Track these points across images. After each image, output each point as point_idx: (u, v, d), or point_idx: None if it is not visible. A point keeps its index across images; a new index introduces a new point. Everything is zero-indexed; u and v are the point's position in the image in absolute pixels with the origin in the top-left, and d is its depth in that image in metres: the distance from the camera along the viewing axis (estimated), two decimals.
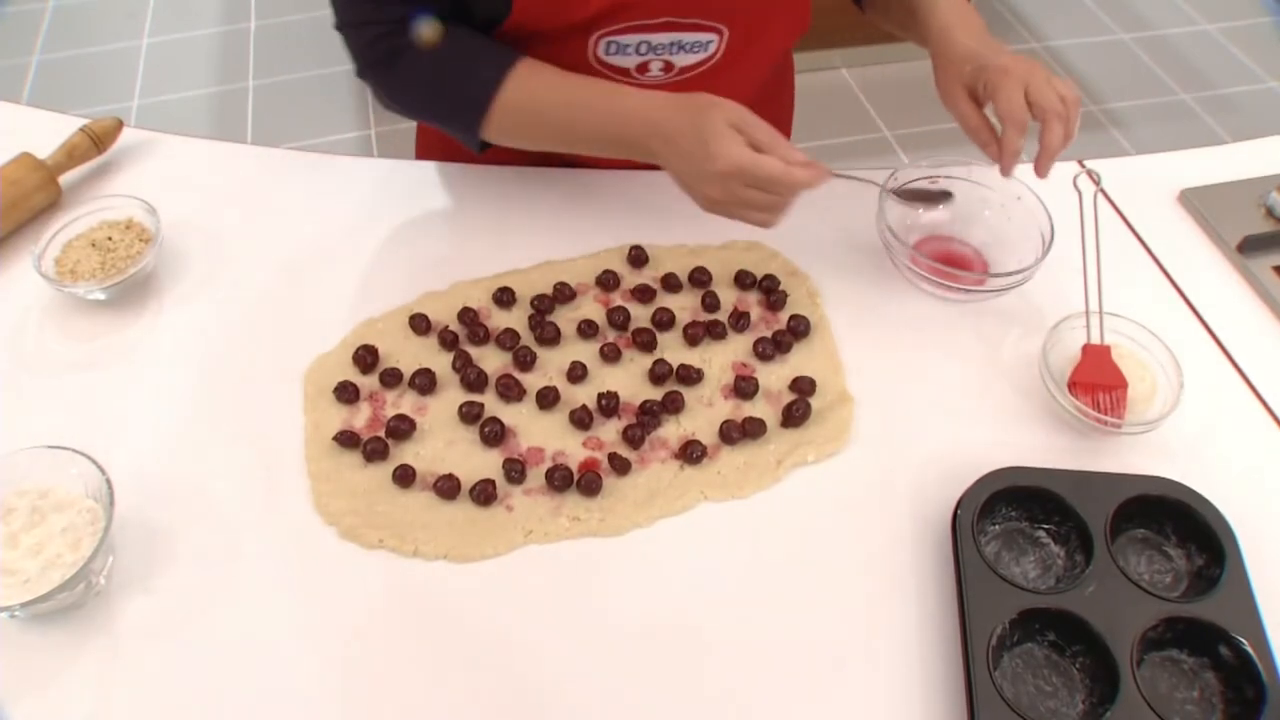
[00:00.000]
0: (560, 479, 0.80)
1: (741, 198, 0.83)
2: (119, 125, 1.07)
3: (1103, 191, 0.96)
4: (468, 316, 0.92)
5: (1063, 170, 1.08)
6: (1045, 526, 0.79)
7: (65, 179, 1.03)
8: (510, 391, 0.86)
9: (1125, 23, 3.05)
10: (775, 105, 1.14)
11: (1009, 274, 0.92)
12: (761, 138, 0.81)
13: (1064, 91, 0.86)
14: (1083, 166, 1.02)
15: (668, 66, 0.94)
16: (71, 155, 1.03)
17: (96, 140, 1.05)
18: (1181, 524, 0.78)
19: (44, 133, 1.05)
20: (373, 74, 0.91)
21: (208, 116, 2.60)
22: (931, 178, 1.00)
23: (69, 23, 2.93)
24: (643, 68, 0.94)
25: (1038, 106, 0.84)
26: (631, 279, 0.97)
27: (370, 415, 0.86)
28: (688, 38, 0.91)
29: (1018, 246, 0.96)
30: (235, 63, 2.74)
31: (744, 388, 0.88)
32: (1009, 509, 0.79)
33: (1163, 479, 0.79)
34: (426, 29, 0.86)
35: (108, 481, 0.74)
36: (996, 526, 0.80)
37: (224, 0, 2.95)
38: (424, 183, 1.06)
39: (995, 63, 0.87)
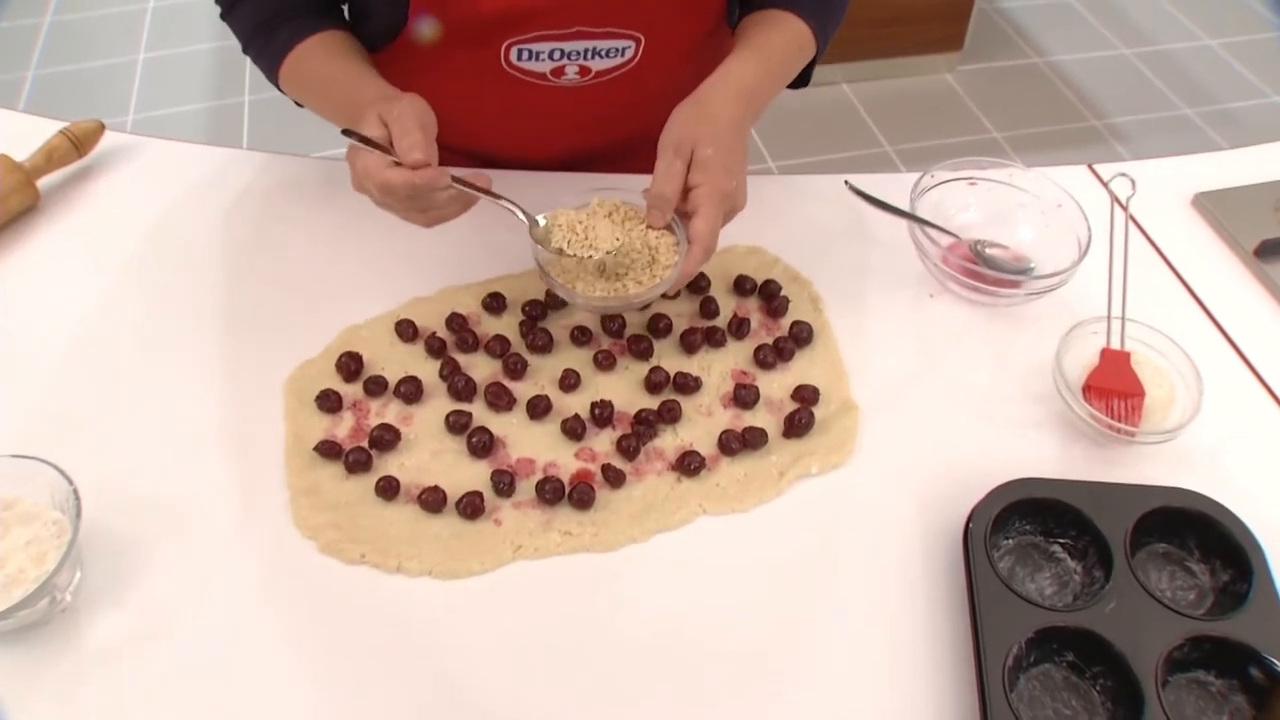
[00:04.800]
0: (551, 491, 0.77)
1: (365, 190, 0.79)
2: (100, 128, 1.05)
3: (1118, 200, 0.93)
4: (456, 322, 0.88)
5: (1077, 175, 1.06)
6: (1061, 540, 0.76)
7: (44, 182, 1.00)
8: (500, 400, 0.83)
9: (1126, 37, 3.04)
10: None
11: (1047, 276, 0.90)
12: (394, 130, 0.76)
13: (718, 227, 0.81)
14: (1093, 171, 0.99)
15: (584, 70, 0.92)
16: (51, 158, 1.00)
17: (77, 143, 1.02)
18: (1205, 537, 0.74)
19: (24, 137, 1.02)
20: (221, 10, 0.93)
21: (203, 131, 2.58)
22: (970, 179, 0.98)
23: (66, 37, 2.91)
24: (558, 72, 0.91)
25: (699, 234, 0.80)
26: None
27: (353, 425, 0.82)
28: (603, 45, 0.89)
29: (1053, 252, 0.93)
30: (231, 77, 2.73)
31: (744, 396, 0.84)
32: (1023, 522, 0.76)
33: (1184, 490, 0.75)
34: None
35: (74, 492, 0.70)
36: (1010, 540, 0.76)
37: None
38: None
39: (713, 170, 0.80)
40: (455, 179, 0.78)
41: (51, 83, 2.75)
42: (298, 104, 0.96)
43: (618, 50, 0.90)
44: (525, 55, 0.89)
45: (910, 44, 2.82)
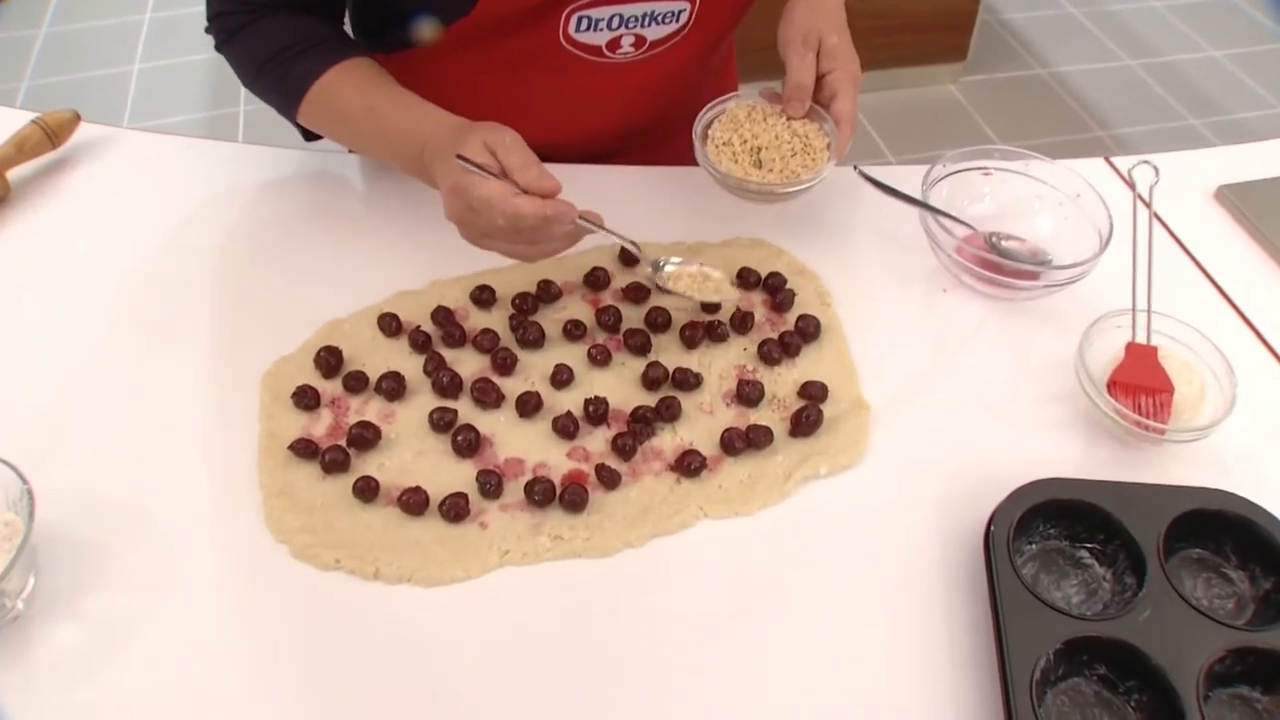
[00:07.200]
0: (541, 493, 0.72)
1: (471, 221, 0.76)
2: (75, 118, 1.00)
3: (1140, 197, 0.89)
4: (442, 316, 0.84)
5: (1094, 168, 1.02)
6: (1088, 545, 0.70)
7: (15, 174, 0.96)
8: (487, 397, 0.78)
9: (1130, 49, 3.01)
10: (724, 75, 1.11)
11: (1068, 267, 0.85)
12: (513, 161, 0.74)
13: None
14: (1110, 164, 0.95)
15: (639, 41, 0.89)
16: (22, 148, 0.96)
17: (51, 133, 0.98)
18: (1243, 542, 0.69)
19: None
20: (217, 41, 0.90)
21: None
22: (984, 169, 0.94)
23: (61, 48, 2.89)
24: (614, 44, 0.89)
25: (844, 114, 0.88)
26: (623, 277, 0.89)
27: (331, 423, 0.77)
28: (660, 7, 0.87)
29: (1072, 244, 0.89)
30: (226, 88, 2.69)
31: (748, 393, 0.79)
32: (1047, 526, 0.71)
33: (1221, 492, 0.70)
34: None
35: (29, 491, 0.65)
36: (1033, 546, 0.71)
37: None
38: (399, 176, 0.98)
39: (842, 55, 0.89)
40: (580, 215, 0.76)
41: (46, 93, 2.72)
42: (308, 135, 0.92)
43: (673, 15, 0.89)
44: (585, 24, 0.87)
45: (913, 54, 2.79)
